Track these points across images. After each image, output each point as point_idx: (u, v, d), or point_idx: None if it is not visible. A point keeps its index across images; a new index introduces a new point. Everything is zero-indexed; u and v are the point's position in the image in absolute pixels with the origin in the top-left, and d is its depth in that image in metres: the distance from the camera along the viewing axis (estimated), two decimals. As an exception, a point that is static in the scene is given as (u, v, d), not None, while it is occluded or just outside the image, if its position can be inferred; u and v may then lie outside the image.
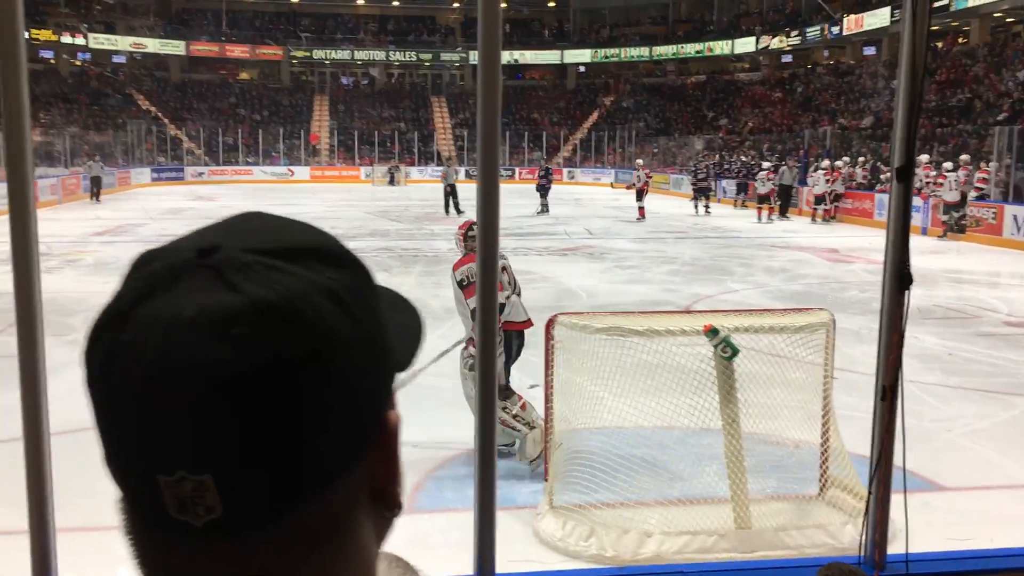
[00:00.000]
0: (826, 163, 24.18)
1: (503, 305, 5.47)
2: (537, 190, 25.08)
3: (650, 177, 24.73)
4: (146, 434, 0.50)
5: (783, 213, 24.17)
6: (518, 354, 5.91)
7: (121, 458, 0.52)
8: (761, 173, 24.50)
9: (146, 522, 0.53)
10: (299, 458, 0.51)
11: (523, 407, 5.49)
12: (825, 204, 23.16)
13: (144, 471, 0.50)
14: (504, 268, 5.60)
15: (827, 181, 23.09)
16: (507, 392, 5.50)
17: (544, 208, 24.53)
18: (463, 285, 5.52)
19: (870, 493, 2.63)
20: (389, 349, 0.58)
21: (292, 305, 0.51)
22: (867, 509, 2.66)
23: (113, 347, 0.51)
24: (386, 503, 0.58)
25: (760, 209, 23.88)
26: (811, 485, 4.69)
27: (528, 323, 5.83)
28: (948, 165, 19.95)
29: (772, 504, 4.57)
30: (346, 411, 0.53)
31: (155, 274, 0.52)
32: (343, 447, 0.53)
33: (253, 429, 0.49)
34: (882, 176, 22.84)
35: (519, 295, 5.90)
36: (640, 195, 23.37)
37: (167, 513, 0.50)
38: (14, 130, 1.82)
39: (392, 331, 0.59)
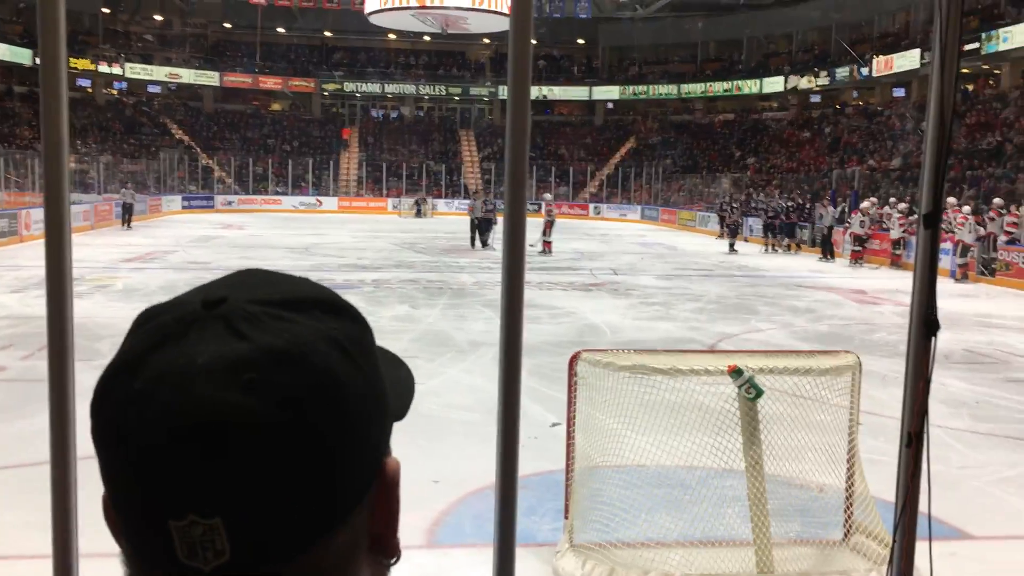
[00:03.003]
0: (903, 205, 22.68)
1: None
2: (480, 225, 24.40)
3: (551, 214, 24.19)
4: (159, 479, 0.51)
5: (829, 255, 23.79)
6: None
7: (132, 505, 0.54)
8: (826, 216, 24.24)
9: (151, 569, 0.53)
10: (307, 500, 0.52)
11: None
12: (899, 249, 21.80)
13: (156, 516, 0.52)
14: None
15: (900, 225, 21.74)
16: None
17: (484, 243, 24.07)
18: None
19: (895, 541, 2.59)
20: (386, 397, 0.60)
21: (299, 351, 0.53)
22: (892, 557, 2.62)
23: (127, 396, 0.53)
24: (385, 550, 0.59)
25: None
26: (835, 530, 4.63)
27: None
28: (966, 208, 19.71)
29: (795, 548, 4.51)
30: (352, 455, 0.55)
31: (165, 326, 0.55)
32: (349, 491, 0.55)
33: (263, 472, 0.51)
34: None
35: None
36: (547, 230, 23.18)
37: (177, 559, 0.51)
38: (53, 159, 1.86)
39: (388, 382, 0.61)
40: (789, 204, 27.14)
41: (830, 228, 24.26)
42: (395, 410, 0.62)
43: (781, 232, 26.51)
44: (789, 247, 26.22)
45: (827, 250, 23.95)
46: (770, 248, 26.51)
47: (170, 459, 0.51)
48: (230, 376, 0.51)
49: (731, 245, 25.55)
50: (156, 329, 0.55)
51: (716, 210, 28.69)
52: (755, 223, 29.27)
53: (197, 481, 0.50)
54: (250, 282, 0.59)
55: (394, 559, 0.61)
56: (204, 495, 0.51)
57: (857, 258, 22.58)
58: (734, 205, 27.65)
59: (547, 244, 22.89)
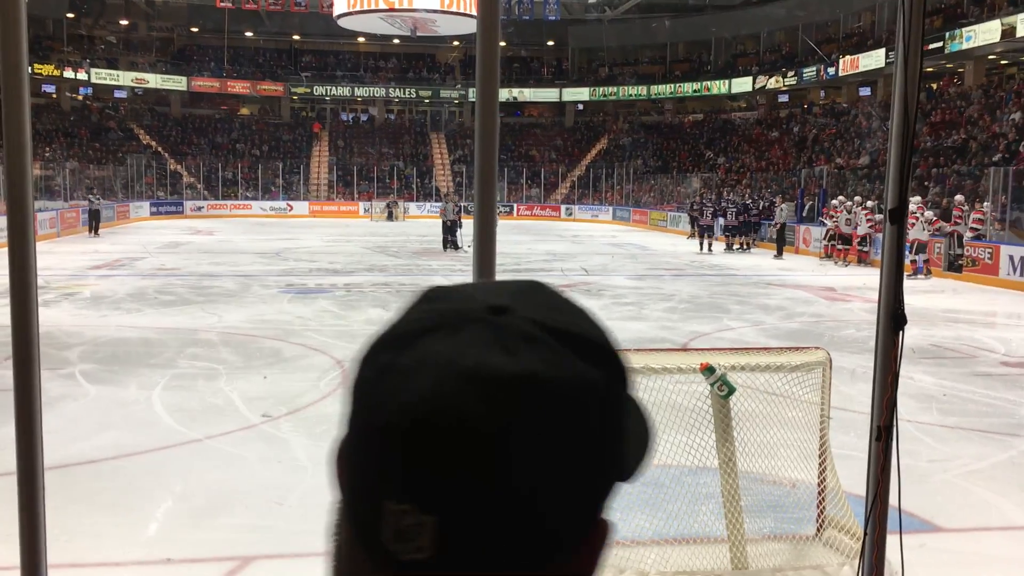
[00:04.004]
0: (871, 203, 22.67)
1: None
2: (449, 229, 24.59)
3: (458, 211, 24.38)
4: (391, 457, 0.52)
5: (779, 253, 24.19)
6: None
7: (360, 471, 0.54)
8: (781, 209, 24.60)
9: (356, 542, 0.54)
10: (521, 527, 0.52)
11: None
12: (865, 246, 21.80)
13: (376, 491, 0.52)
14: None
15: (868, 222, 21.66)
16: None
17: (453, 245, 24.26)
18: None
19: (866, 534, 2.62)
20: (623, 457, 0.59)
21: (557, 385, 0.53)
22: (863, 550, 2.65)
23: (390, 366, 0.54)
24: None
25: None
26: (808, 525, 4.67)
27: None
28: (916, 199, 19.51)
29: (769, 544, 4.54)
30: (574, 500, 0.55)
31: (444, 313, 0.56)
32: (563, 532, 0.55)
33: (491, 488, 0.51)
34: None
35: None
36: (454, 228, 23.77)
37: (379, 538, 0.52)
38: (15, 164, 1.84)
39: (630, 440, 0.60)
40: (748, 202, 27.54)
41: (783, 225, 24.45)
42: (626, 469, 0.61)
43: (744, 230, 26.73)
44: (744, 245, 26.45)
45: (779, 247, 24.28)
46: (731, 247, 26.65)
47: (407, 444, 0.52)
48: (489, 389, 0.52)
49: (706, 245, 25.69)
50: (436, 314, 0.56)
51: (687, 210, 28.85)
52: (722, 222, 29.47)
53: (425, 475, 0.51)
54: (536, 300, 0.59)
55: None
56: (428, 491, 0.51)
57: (840, 256, 22.40)
58: (706, 205, 27.78)
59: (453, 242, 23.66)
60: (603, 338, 0.59)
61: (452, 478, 0.51)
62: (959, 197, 20.94)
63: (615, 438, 0.58)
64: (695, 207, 29.30)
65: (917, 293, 15.27)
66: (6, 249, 1.88)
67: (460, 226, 24.20)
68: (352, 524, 0.55)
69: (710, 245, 25.78)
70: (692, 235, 27.82)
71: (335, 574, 0.57)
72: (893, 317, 2.45)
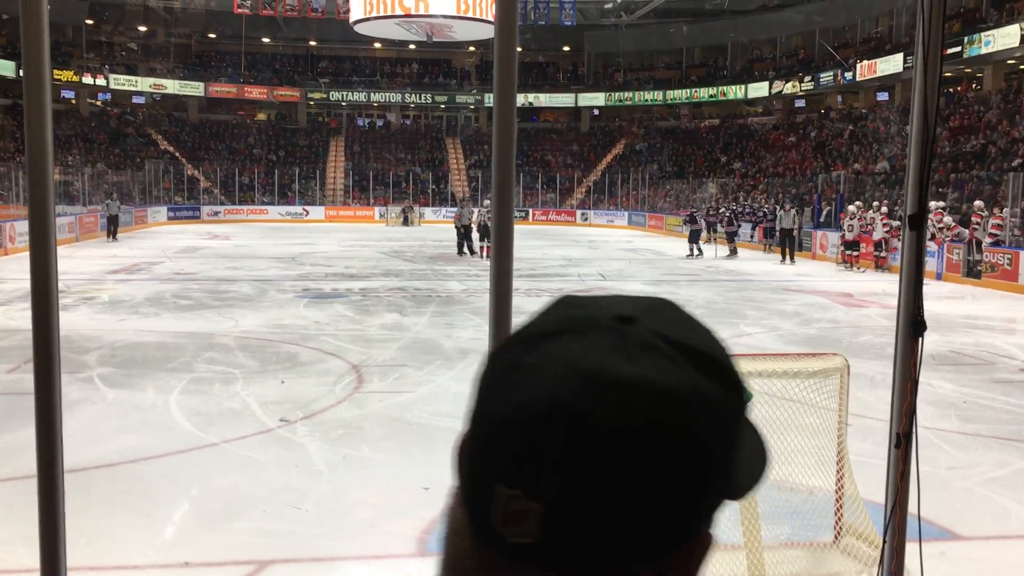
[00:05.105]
0: (885, 208, 22.63)
1: None
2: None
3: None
4: (510, 447, 0.56)
5: (791, 258, 24.07)
6: None
7: (478, 456, 0.59)
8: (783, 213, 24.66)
9: (469, 526, 0.58)
10: (620, 525, 0.55)
11: None
12: (882, 251, 21.81)
13: (491, 475, 0.56)
14: None
15: (884, 227, 21.68)
16: None
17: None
18: None
19: (885, 542, 2.60)
20: (731, 475, 0.61)
21: (670, 394, 0.56)
22: (882, 558, 2.63)
23: (516, 363, 0.58)
24: None
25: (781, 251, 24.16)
26: (826, 532, 4.64)
27: None
28: (853, 205, 19.71)
29: (786, 551, 4.51)
30: (676, 508, 0.57)
31: (576, 319, 0.60)
32: (660, 537, 0.57)
33: (595, 483, 0.54)
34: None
35: None
36: (469, 233, 23.65)
37: (489, 520, 0.56)
38: (37, 171, 1.85)
39: (741, 461, 0.62)
40: (745, 209, 27.57)
41: (787, 230, 24.39)
42: (735, 489, 0.63)
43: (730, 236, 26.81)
44: (732, 250, 26.37)
45: (784, 252, 24.21)
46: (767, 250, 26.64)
47: (522, 434, 0.55)
48: (603, 389, 0.54)
49: (696, 250, 25.79)
50: (565, 319, 0.60)
51: (703, 215, 28.92)
52: (745, 227, 29.44)
53: (535, 464, 0.54)
54: (662, 314, 0.61)
55: None
56: (535, 478, 0.54)
57: (851, 262, 22.40)
58: (721, 210, 27.82)
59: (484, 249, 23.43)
60: (723, 356, 0.61)
61: (562, 470, 0.54)
62: (978, 203, 20.78)
63: (726, 454, 0.59)
64: (711, 213, 29.43)
65: (937, 299, 15.16)
66: (27, 254, 1.89)
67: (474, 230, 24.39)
68: (467, 507, 0.59)
69: (700, 250, 25.86)
70: (709, 240, 27.80)
71: (446, 557, 0.60)
72: (912, 323, 2.44)
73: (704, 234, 27.70)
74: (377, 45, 49.16)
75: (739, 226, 27.43)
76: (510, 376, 0.58)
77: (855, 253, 22.37)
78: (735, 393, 0.61)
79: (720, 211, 28.58)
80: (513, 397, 0.56)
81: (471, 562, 0.58)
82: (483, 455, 0.58)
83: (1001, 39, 29.67)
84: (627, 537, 0.55)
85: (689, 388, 0.56)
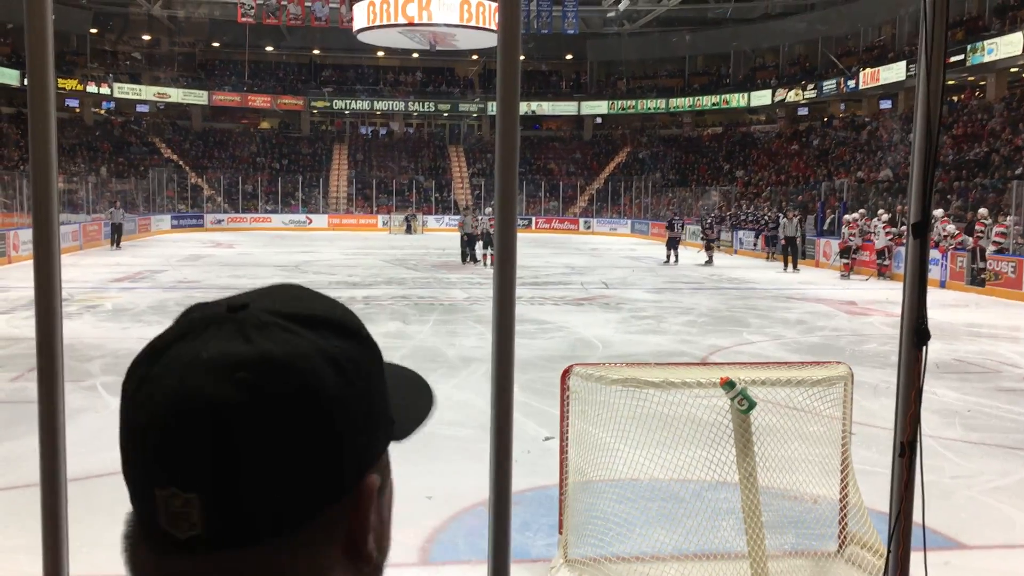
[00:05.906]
0: (887, 216, 22.60)
1: None
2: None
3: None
4: (153, 451, 0.58)
5: (794, 266, 24.06)
6: None
7: (132, 470, 0.61)
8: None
9: (141, 531, 0.61)
10: (276, 492, 0.58)
11: None
12: (884, 259, 21.78)
13: (146, 483, 0.59)
14: None
15: (887, 235, 21.65)
16: None
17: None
18: None
19: (889, 551, 2.59)
20: (381, 417, 0.65)
21: (291, 360, 0.59)
22: (886, 568, 2.62)
23: (145, 377, 0.60)
24: (360, 557, 0.64)
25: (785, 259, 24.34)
26: (830, 542, 4.62)
27: None
28: (856, 214, 20.01)
29: (790, 560, 4.50)
30: (324, 461, 0.60)
31: (193, 321, 0.62)
32: (316, 492, 0.60)
33: (239, 460, 0.57)
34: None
35: None
36: (472, 241, 23.99)
37: (158, 524, 0.58)
38: (41, 180, 1.86)
39: (397, 404, 0.67)
40: (748, 217, 27.73)
41: (791, 239, 24.40)
42: (397, 430, 0.67)
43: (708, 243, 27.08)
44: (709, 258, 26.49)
45: (786, 260, 24.28)
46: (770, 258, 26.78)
47: (163, 436, 0.58)
48: (226, 372, 0.57)
49: (674, 257, 25.98)
50: (187, 323, 0.62)
51: (681, 223, 29.08)
52: (745, 236, 29.45)
53: (180, 459, 0.57)
54: (277, 295, 0.66)
55: (369, 567, 0.65)
56: (184, 472, 0.57)
57: (845, 270, 22.56)
58: (713, 217, 28.12)
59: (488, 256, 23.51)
60: (343, 316, 0.65)
61: (202, 457, 0.57)
62: (982, 211, 20.76)
63: (368, 402, 0.63)
64: (708, 222, 29.71)
65: (940, 307, 15.13)
66: (31, 262, 1.89)
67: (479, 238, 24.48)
68: (139, 521, 0.61)
69: (709, 259, 26.00)
70: (709, 248, 27.95)
71: (129, 565, 0.61)
72: (916, 332, 2.43)
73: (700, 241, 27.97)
74: (380, 54, 49.26)
75: (719, 234, 28.09)
76: (140, 390, 0.60)
77: (847, 260, 22.59)
78: (363, 345, 0.64)
79: (707, 220, 28.85)
80: (147, 407, 0.59)
81: (157, 567, 0.59)
82: (134, 465, 0.60)
83: (1004, 47, 29.68)
84: (284, 501, 0.58)
85: (310, 351, 0.60)
